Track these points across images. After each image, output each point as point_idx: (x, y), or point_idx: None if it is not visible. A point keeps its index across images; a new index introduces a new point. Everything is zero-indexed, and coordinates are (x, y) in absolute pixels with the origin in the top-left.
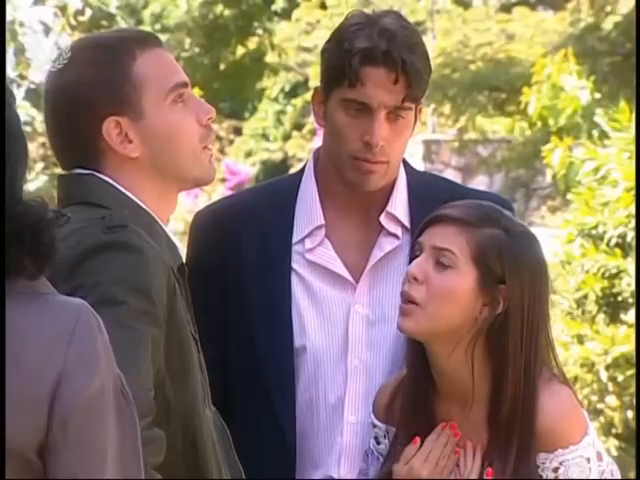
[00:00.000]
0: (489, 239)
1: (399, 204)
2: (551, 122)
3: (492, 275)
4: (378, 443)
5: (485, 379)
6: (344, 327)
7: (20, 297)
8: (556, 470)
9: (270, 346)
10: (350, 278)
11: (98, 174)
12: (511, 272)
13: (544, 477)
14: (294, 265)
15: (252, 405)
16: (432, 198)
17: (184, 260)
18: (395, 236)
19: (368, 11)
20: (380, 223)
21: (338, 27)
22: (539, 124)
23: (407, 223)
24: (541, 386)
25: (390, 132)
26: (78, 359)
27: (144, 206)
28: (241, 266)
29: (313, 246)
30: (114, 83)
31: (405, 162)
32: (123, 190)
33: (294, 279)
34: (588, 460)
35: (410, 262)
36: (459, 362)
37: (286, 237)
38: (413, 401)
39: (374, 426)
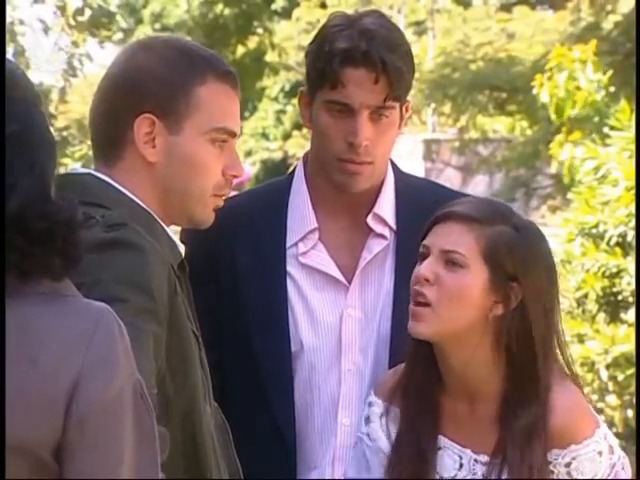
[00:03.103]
0: (499, 236)
1: (386, 205)
2: (567, 112)
3: (503, 272)
4: (368, 423)
5: (496, 376)
6: (337, 331)
7: (41, 297)
8: (568, 465)
9: (268, 347)
10: (344, 280)
11: (95, 173)
12: (524, 269)
13: (556, 473)
14: (289, 268)
15: (250, 406)
16: (419, 200)
17: None
18: (382, 237)
19: (350, 12)
20: (368, 224)
21: (320, 29)
22: (552, 115)
23: (393, 224)
24: (554, 383)
25: (374, 132)
26: (97, 361)
27: (143, 205)
28: (235, 268)
29: (307, 249)
30: (173, 89)
31: (393, 164)
32: (121, 189)
33: (289, 282)
34: (600, 454)
35: (412, 262)
36: (469, 360)
37: (280, 240)
38: (418, 399)
39: (370, 405)
